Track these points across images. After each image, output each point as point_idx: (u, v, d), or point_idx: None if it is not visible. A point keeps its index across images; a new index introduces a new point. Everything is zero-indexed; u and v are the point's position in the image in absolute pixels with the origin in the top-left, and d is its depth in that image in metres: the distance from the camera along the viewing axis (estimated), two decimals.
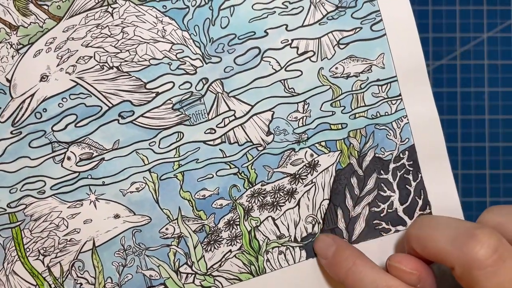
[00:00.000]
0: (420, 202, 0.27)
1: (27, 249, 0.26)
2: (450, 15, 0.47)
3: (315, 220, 0.27)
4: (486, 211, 0.25)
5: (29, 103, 0.25)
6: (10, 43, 0.25)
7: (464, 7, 0.46)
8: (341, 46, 0.27)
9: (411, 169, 0.27)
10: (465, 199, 0.43)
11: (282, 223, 0.27)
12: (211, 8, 0.26)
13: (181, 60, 0.26)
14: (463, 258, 0.22)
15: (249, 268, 0.27)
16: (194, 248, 0.26)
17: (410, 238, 0.25)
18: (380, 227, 0.27)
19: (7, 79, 0.25)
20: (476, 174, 0.46)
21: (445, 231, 0.24)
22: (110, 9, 0.25)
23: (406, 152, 0.27)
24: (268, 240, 0.27)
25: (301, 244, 0.27)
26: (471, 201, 0.44)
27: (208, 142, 0.26)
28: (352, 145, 0.27)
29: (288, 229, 0.27)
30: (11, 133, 0.25)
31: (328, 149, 0.27)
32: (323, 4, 0.26)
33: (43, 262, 0.26)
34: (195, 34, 0.26)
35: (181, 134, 0.26)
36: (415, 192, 0.27)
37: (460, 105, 0.47)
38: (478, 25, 0.46)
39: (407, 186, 0.27)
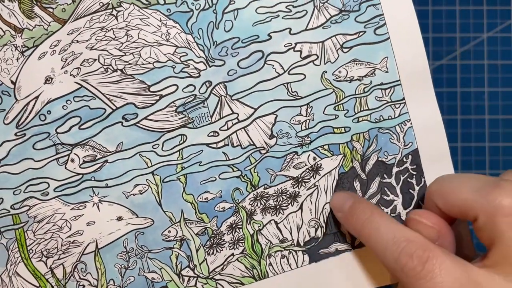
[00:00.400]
0: (423, 204, 0.27)
1: (30, 251, 0.26)
2: (450, 15, 0.46)
3: (318, 224, 0.27)
4: (506, 172, 0.25)
5: (33, 105, 0.26)
6: (15, 45, 0.25)
7: (464, 7, 0.46)
8: (345, 50, 0.27)
9: (414, 173, 0.27)
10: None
11: (285, 226, 0.27)
12: (215, 11, 0.26)
13: (185, 63, 0.26)
14: (487, 206, 0.22)
15: (252, 272, 0.27)
16: (197, 251, 0.26)
17: (432, 194, 0.25)
18: None
19: (11, 81, 0.25)
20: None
21: (468, 183, 0.24)
22: (114, 12, 0.25)
23: (410, 156, 0.27)
24: (271, 244, 0.27)
25: (304, 248, 0.27)
26: None
27: (211, 145, 0.26)
28: (355, 148, 0.27)
29: (291, 233, 0.27)
30: (15, 135, 0.25)
31: (331, 152, 0.27)
32: (326, 8, 0.26)
33: (46, 264, 0.26)
34: (199, 37, 0.26)
35: (184, 136, 0.26)
36: (418, 196, 0.27)
37: (460, 105, 0.46)
38: (478, 25, 0.46)
39: (410, 190, 0.27)
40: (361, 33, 0.26)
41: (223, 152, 0.26)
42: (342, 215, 0.26)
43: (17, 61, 0.25)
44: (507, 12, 0.46)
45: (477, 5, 0.46)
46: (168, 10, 0.26)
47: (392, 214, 0.27)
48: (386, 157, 0.27)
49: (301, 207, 0.27)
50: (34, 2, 0.25)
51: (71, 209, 0.26)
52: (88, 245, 0.26)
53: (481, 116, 0.46)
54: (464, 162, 0.46)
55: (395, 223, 0.24)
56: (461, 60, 0.46)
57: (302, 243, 0.27)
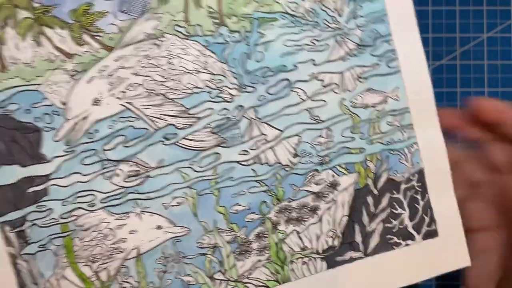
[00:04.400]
0: (427, 219, 0.30)
1: (77, 256, 0.28)
2: (450, 15, 0.46)
3: (335, 234, 0.30)
4: None
5: (82, 125, 0.28)
6: (66, 69, 0.28)
7: (464, 7, 0.46)
8: (361, 80, 0.30)
9: (419, 190, 0.30)
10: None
11: (306, 236, 0.30)
12: (248, 44, 0.29)
13: (220, 89, 0.29)
14: None
15: (276, 277, 0.30)
16: (227, 257, 0.29)
17: None
18: (392, 241, 0.30)
19: (62, 103, 0.28)
20: None
21: None
22: (158, 42, 0.28)
23: (416, 175, 0.30)
24: (293, 252, 0.30)
25: (322, 256, 0.30)
26: None
27: (242, 163, 0.29)
28: (368, 167, 0.30)
29: (311, 242, 0.30)
30: (65, 151, 0.28)
31: (348, 170, 0.30)
32: (346, 43, 0.29)
33: (91, 268, 0.28)
34: (233, 67, 0.29)
35: (218, 155, 0.29)
36: (422, 210, 0.30)
37: (460, 105, 0.46)
38: (478, 25, 0.46)
39: (415, 205, 0.30)
40: (375, 66, 0.29)
41: (252, 169, 0.29)
42: None
43: (68, 84, 0.28)
44: (507, 12, 0.46)
45: (477, 5, 0.46)
46: (206, 41, 0.28)
47: (400, 226, 0.30)
48: (395, 175, 0.30)
49: (320, 219, 0.30)
50: (84, 30, 0.28)
51: (115, 219, 0.28)
52: (130, 251, 0.28)
53: None
54: None
55: None
56: (461, 60, 0.46)
57: (321, 251, 0.30)
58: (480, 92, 0.46)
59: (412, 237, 0.30)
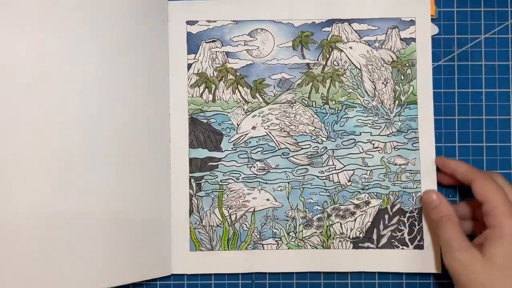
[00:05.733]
0: (418, 237, 0.51)
1: (223, 203, 0.53)
2: (448, 16, 0.47)
3: (361, 230, 0.52)
4: None
5: (243, 138, 0.54)
6: (243, 108, 0.54)
7: (462, 8, 0.46)
8: (396, 149, 0.52)
9: (417, 219, 0.51)
10: (465, 199, 0.50)
11: (344, 227, 0.52)
12: (337, 116, 0.53)
13: (317, 135, 0.53)
14: None
15: (322, 244, 0.52)
16: (299, 225, 0.52)
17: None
18: (394, 244, 0.51)
19: (237, 124, 0.54)
20: None
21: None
22: (291, 105, 0.53)
23: (416, 210, 0.52)
24: (335, 233, 0.52)
25: (351, 240, 0.52)
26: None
27: (319, 177, 0.53)
28: (390, 198, 0.52)
29: (346, 231, 0.52)
30: (232, 148, 0.53)
31: (377, 197, 0.52)
32: (391, 128, 0.52)
33: (228, 211, 0.53)
34: (326, 126, 0.53)
35: (307, 170, 0.53)
36: (417, 231, 0.51)
37: (458, 105, 0.47)
38: (475, 27, 0.45)
39: (413, 227, 0.51)
40: (405, 144, 0.52)
41: (323, 182, 0.52)
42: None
43: (242, 115, 0.54)
44: (505, 14, 0.45)
45: (475, 6, 0.45)
46: (316, 110, 0.53)
47: (401, 237, 0.51)
48: (404, 207, 0.52)
49: (355, 220, 0.52)
50: (257, 91, 0.54)
51: (247, 189, 0.53)
52: (249, 208, 0.53)
53: (479, 117, 0.47)
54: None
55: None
56: (458, 61, 0.46)
57: (351, 238, 0.52)
58: (478, 92, 0.46)
59: (407, 245, 0.51)
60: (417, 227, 0.51)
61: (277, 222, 0.52)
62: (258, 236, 0.52)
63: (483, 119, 0.47)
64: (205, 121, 0.52)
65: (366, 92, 0.52)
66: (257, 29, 0.53)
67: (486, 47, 0.46)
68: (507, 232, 0.40)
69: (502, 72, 0.46)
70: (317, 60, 0.52)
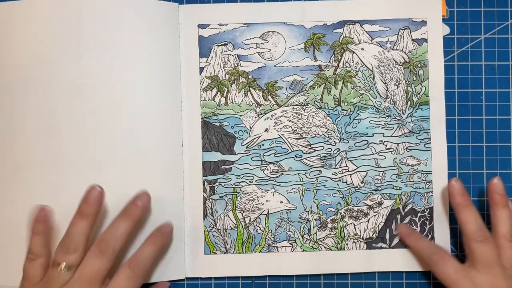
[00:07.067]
0: (429, 237, 0.52)
1: (236, 206, 0.53)
2: (448, 16, 0.47)
3: (374, 231, 0.53)
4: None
5: (256, 140, 0.54)
6: (255, 111, 0.54)
7: (462, 8, 0.46)
8: (408, 150, 0.53)
9: (428, 218, 0.52)
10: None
11: (358, 228, 0.53)
12: (350, 117, 0.53)
13: (329, 137, 0.53)
14: None
15: (336, 246, 0.53)
16: (313, 227, 0.53)
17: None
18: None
19: (249, 127, 0.54)
20: (474, 174, 0.50)
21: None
22: (304, 108, 0.53)
23: (428, 209, 0.52)
24: (349, 234, 0.53)
25: (364, 241, 0.52)
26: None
27: (332, 179, 0.53)
28: (402, 198, 0.53)
29: (360, 232, 0.53)
30: (244, 151, 0.53)
31: (389, 197, 0.53)
32: (403, 128, 0.53)
33: (242, 214, 0.53)
34: (339, 128, 0.53)
35: (320, 171, 0.53)
36: (427, 230, 0.52)
37: (458, 105, 0.48)
38: (475, 26, 0.45)
39: (424, 226, 0.52)
40: (417, 144, 0.53)
41: (337, 184, 0.53)
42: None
43: (254, 118, 0.54)
44: (505, 14, 0.45)
45: (475, 6, 0.45)
46: (328, 111, 0.53)
47: None
48: (416, 207, 0.52)
49: (368, 221, 0.53)
50: (269, 93, 0.54)
51: (261, 192, 0.53)
52: (263, 210, 0.53)
53: (478, 117, 0.48)
54: (461, 162, 0.50)
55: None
56: (458, 61, 0.46)
57: (364, 238, 0.52)
58: (478, 92, 0.46)
59: None
60: (428, 226, 0.52)
61: (291, 225, 0.52)
62: (273, 239, 0.52)
63: (483, 119, 0.47)
64: (217, 124, 0.52)
65: (379, 93, 0.52)
66: (268, 31, 0.52)
67: (486, 47, 0.46)
68: None
69: (502, 72, 0.46)
70: (329, 61, 0.52)
